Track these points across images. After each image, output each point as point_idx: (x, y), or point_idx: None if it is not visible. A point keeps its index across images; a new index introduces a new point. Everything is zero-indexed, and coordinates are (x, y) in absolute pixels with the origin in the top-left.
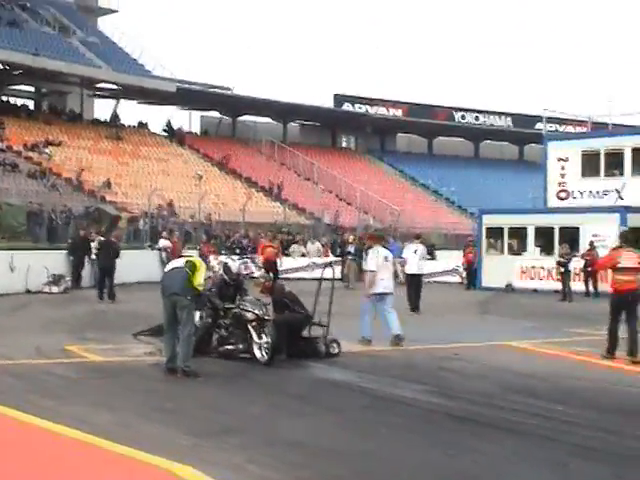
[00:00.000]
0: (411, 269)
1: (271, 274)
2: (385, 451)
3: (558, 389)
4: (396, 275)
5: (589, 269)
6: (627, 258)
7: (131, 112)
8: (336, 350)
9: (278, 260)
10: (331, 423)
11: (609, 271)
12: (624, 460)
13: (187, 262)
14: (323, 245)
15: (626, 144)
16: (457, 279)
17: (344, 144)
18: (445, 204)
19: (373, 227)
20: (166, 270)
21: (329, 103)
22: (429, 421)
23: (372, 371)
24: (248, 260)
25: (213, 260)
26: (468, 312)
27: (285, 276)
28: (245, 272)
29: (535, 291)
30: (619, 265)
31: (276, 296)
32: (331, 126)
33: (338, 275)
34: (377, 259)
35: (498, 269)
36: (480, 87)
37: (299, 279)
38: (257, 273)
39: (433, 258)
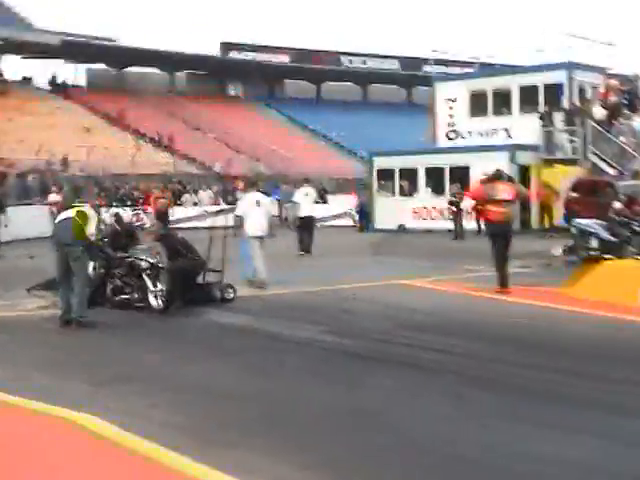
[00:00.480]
0: (303, 212)
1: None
2: (285, 392)
3: (453, 324)
4: (286, 219)
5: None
6: (502, 190)
7: (15, 67)
8: (231, 295)
9: (170, 210)
10: (230, 367)
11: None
12: (516, 389)
13: (77, 212)
14: (214, 193)
15: (513, 83)
16: (350, 222)
17: (232, 92)
18: (335, 149)
19: (264, 174)
20: (57, 221)
21: (216, 51)
22: (327, 360)
23: (269, 314)
24: (140, 211)
25: (104, 212)
26: (362, 254)
27: (178, 226)
28: (137, 223)
29: (428, 231)
30: (495, 197)
31: (168, 244)
32: (219, 74)
33: (230, 222)
34: (246, 204)
35: (390, 211)
36: (367, 31)
37: (192, 228)
38: (148, 223)
39: (325, 202)
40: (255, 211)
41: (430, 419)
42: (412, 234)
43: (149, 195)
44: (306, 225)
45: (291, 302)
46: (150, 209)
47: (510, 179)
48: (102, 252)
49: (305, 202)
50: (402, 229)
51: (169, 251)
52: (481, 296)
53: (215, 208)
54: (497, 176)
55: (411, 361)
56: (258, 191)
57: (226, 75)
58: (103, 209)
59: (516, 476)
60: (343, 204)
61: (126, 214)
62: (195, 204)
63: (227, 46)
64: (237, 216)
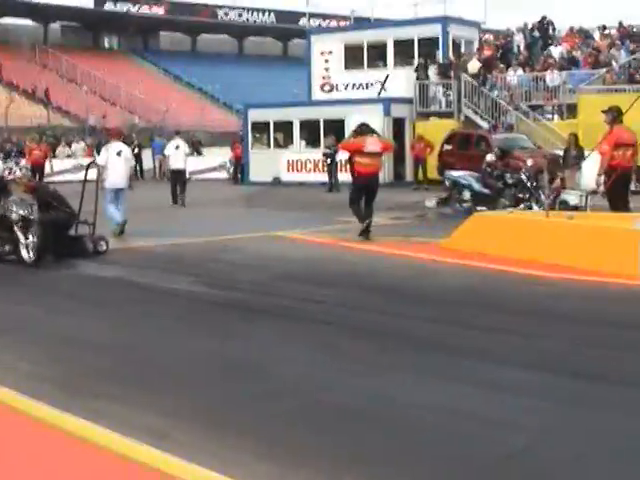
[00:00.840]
0: (175, 164)
1: (37, 176)
2: (155, 342)
3: (327, 274)
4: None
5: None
6: (372, 143)
7: None
8: (104, 247)
9: (47, 163)
10: (100, 318)
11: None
12: (389, 337)
13: None
14: (88, 146)
15: (388, 36)
16: (225, 175)
17: (107, 45)
18: (210, 102)
19: (139, 127)
20: None
21: (90, 3)
22: (199, 311)
23: (141, 266)
24: (13, 164)
25: None
26: (236, 206)
27: (52, 179)
28: (10, 177)
29: (302, 184)
30: (365, 150)
31: (40, 196)
32: (93, 27)
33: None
34: (107, 154)
35: (265, 163)
36: None
37: (67, 182)
38: (19, 173)
39: (200, 154)
40: (116, 161)
41: (303, 368)
42: (287, 187)
43: (27, 148)
44: (178, 177)
45: (163, 254)
46: (26, 161)
47: (374, 132)
48: None
49: (176, 155)
50: (277, 182)
51: (41, 203)
52: (353, 247)
53: (88, 160)
54: (365, 130)
55: (284, 311)
56: (122, 142)
57: (101, 27)
58: None
59: (379, 420)
60: (219, 157)
61: None
62: (69, 156)
63: None
64: (98, 165)
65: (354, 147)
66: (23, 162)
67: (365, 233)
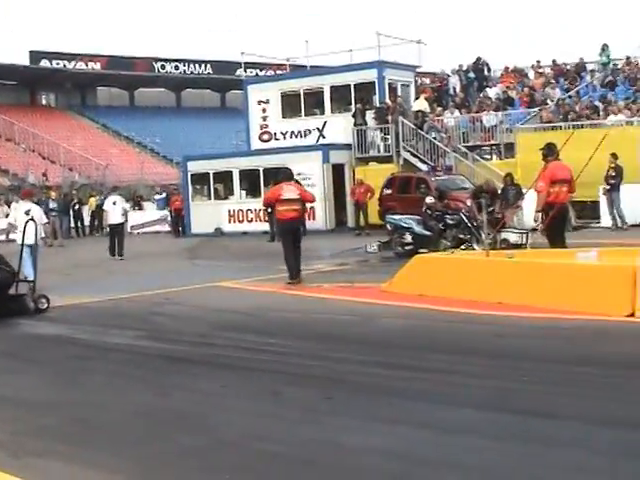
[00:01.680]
0: (111, 219)
1: None
2: (97, 398)
3: (270, 323)
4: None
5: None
6: (289, 190)
7: None
8: (45, 305)
9: None
10: (42, 376)
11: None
12: (332, 383)
13: None
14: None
15: (324, 83)
16: (167, 228)
17: (44, 101)
18: (150, 155)
19: (79, 183)
20: None
21: (25, 60)
22: (140, 365)
23: (82, 322)
24: None
25: None
26: (178, 258)
27: None
28: None
29: (245, 234)
30: (282, 197)
31: None
32: (29, 84)
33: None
34: (16, 214)
35: (206, 215)
36: (179, 36)
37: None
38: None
39: (141, 209)
40: (24, 220)
41: (244, 418)
42: (229, 237)
43: None
44: (116, 232)
45: (105, 309)
46: None
47: (292, 179)
48: None
49: (114, 210)
50: (219, 232)
51: None
52: (295, 294)
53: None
54: (283, 177)
55: (227, 362)
56: (31, 202)
57: (37, 84)
58: None
59: (324, 467)
60: (160, 210)
61: None
62: (7, 216)
63: (37, 54)
64: (9, 224)
65: (273, 196)
66: None
67: (296, 277)
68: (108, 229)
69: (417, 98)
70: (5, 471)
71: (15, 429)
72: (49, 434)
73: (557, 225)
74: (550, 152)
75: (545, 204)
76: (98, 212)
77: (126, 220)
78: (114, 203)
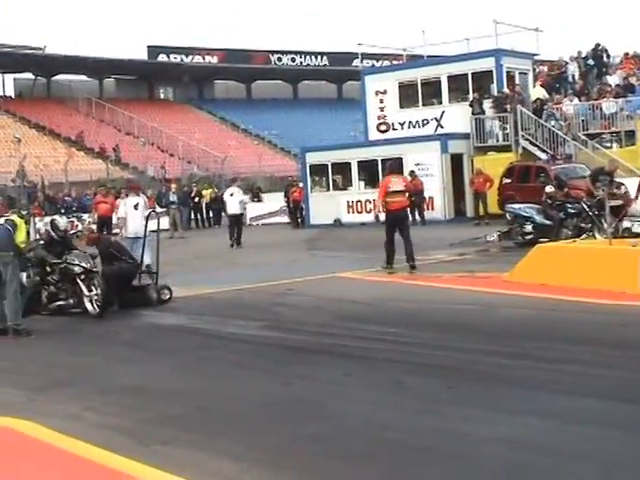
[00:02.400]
0: (230, 210)
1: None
2: (219, 388)
3: (389, 313)
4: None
5: (413, 198)
6: (395, 183)
7: None
8: (167, 296)
9: (114, 215)
10: (167, 366)
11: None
12: (453, 372)
13: (7, 220)
14: (149, 197)
15: (442, 72)
16: (286, 219)
17: (162, 95)
18: (268, 147)
19: (198, 176)
20: None
21: (143, 55)
22: (264, 355)
23: (205, 313)
24: (75, 218)
25: (39, 222)
26: (298, 249)
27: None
28: (72, 231)
29: (363, 224)
30: (389, 190)
31: (102, 247)
32: (147, 78)
33: (164, 225)
34: (125, 207)
35: (325, 206)
36: (295, 28)
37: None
38: (81, 227)
39: (260, 201)
40: (133, 214)
41: (366, 406)
42: (348, 228)
43: (95, 201)
44: (233, 221)
45: (227, 300)
46: (94, 214)
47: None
48: (36, 257)
49: (231, 201)
50: (338, 223)
51: (103, 255)
52: (416, 285)
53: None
54: (391, 169)
55: (348, 351)
56: (139, 195)
57: (155, 79)
58: (37, 218)
59: (453, 457)
60: (278, 202)
61: (62, 220)
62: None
63: (154, 49)
64: (119, 218)
65: (382, 188)
66: (85, 216)
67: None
68: (228, 219)
69: (534, 86)
70: (133, 458)
71: (142, 417)
72: (175, 422)
73: None
74: None
75: None
76: (213, 204)
77: (245, 210)
78: (231, 195)
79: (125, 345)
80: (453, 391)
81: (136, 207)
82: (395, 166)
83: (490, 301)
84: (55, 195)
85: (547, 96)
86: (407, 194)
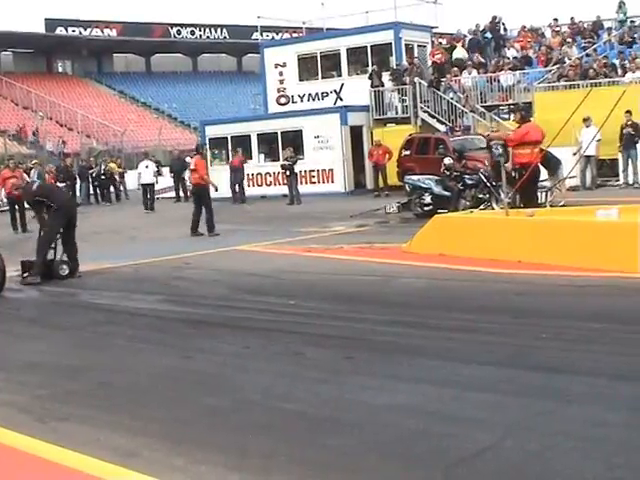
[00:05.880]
0: (145, 180)
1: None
2: (121, 362)
3: (289, 284)
4: None
5: None
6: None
7: None
8: (66, 271)
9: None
10: (66, 342)
11: None
12: (353, 342)
13: None
14: (47, 172)
15: (341, 45)
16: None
17: (60, 69)
18: (168, 121)
19: (97, 150)
20: None
21: (41, 28)
22: (164, 329)
23: (105, 288)
24: None
25: None
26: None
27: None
28: None
29: (264, 197)
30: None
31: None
32: (45, 52)
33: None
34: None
35: (225, 179)
36: (194, 1)
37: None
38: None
39: (159, 174)
40: None
41: (267, 378)
42: (248, 201)
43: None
44: (147, 191)
45: (127, 275)
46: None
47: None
48: None
49: (145, 172)
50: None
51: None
52: (315, 256)
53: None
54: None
55: (248, 324)
56: None
57: (53, 52)
58: None
59: (351, 425)
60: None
61: None
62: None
63: (52, 22)
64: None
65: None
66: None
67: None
68: (141, 187)
69: (454, 48)
70: (31, 435)
71: (40, 394)
72: (74, 399)
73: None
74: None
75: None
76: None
77: (155, 180)
78: (147, 167)
79: (24, 321)
80: (352, 361)
81: None
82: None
83: (389, 271)
84: None
85: (467, 56)
86: None
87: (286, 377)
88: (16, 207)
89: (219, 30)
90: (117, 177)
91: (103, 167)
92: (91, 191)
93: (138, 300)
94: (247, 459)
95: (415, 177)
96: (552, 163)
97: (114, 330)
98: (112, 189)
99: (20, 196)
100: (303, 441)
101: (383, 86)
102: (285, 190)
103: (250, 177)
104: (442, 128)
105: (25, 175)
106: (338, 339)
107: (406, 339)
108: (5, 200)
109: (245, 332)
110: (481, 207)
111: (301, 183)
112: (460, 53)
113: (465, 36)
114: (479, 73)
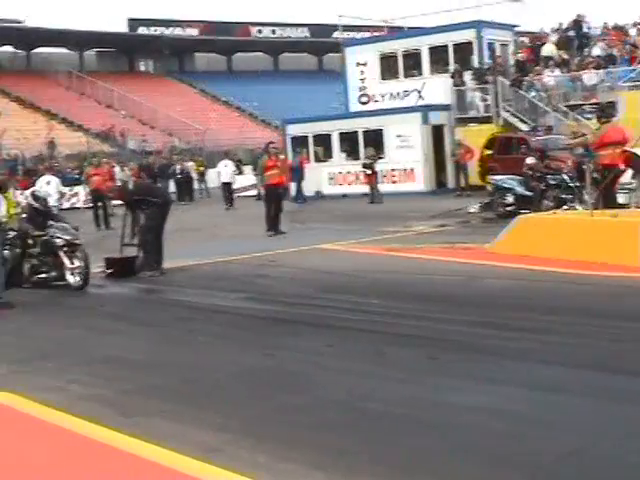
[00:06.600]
0: (224, 179)
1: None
2: (203, 359)
3: (372, 284)
4: None
5: None
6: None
7: None
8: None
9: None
10: (150, 337)
11: None
12: (435, 343)
13: None
14: (131, 170)
15: (423, 44)
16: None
17: (142, 68)
18: (249, 119)
19: (179, 148)
20: None
21: (124, 28)
22: (246, 327)
23: (187, 285)
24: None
25: (19, 195)
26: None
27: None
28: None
29: (345, 196)
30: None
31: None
32: (128, 51)
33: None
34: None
35: (306, 177)
36: (276, 0)
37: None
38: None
39: (241, 173)
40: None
41: (349, 377)
42: (329, 200)
43: (88, 174)
44: (227, 189)
45: (209, 272)
46: (87, 187)
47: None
48: (18, 230)
49: (225, 171)
50: (319, 195)
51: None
52: (398, 256)
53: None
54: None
55: (331, 322)
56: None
57: (135, 51)
58: (18, 191)
59: (435, 426)
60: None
61: (43, 192)
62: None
63: (135, 22)
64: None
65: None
66: (86, 188)
67: None
68: (221, 186)
69: (543, 44)
70: (114, 429)
71: (125, 388)
72: (157, 394)
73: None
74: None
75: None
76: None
77: (234, 179)
78: (225, 166)
79: (108, 317)
80: (434, 361)
81: (48, 184)
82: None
83: (471, 272)
84: (37, 168)
85: (556, 53)
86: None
87: (368, 376)
88: (99, 204)
89: (300, 29)
90: (195, 176)
91: (179, 166)
92: (172, 189)
93: (220, 297)
94: (331, 458)
95: (498, 177)
96: (637, 163)
97: (196, 327)
98: (191, 187)
99: (101, 191)
100: (386, 441)
101: (465, 85)
102: (366, 189)
103: (331, 176)
104: (524, 127)
105: (116, 170)
106: (420, 339)
107: (488, 340)
108: (90, 197)
109: (327, 331)
110: (564, 207)
111: (382, 182)
112: (549, 50)
113: (547, 34)
114: (562, 72)
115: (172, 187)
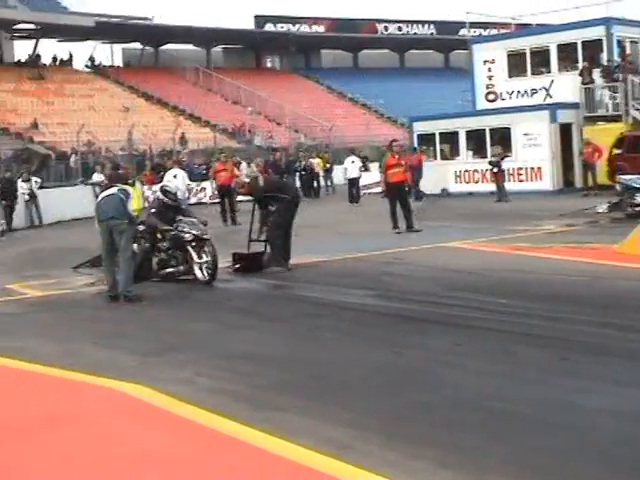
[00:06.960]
0: (351, 174)
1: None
2: (331, 355)
3: (500, 283)
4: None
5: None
6: None
7: (52, 51)
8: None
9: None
10: (277, 333)
11: None
12: (564, 343)
13: (119, 189)
14: (257, 165)
15: (551, 41)
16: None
17: (269, 64)
18: (375, 116)
19: (305, 145)
20: (100, 198)
21: (250, 24)
22: (373, 324)
23: (315, 281)
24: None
25: (147, 190)
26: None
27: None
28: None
29: (471, 194)
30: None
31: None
32: (254, 48)
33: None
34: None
35: (432, 175)
36: None
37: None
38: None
39: (367, 170)
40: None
41: (478, 376)
42: (455, 198)
43: (215, 169)
44: (353, 185)
45: (336, 269)
46: (213, 182)
47: None
48: (147, 224)
49: (351, 167)
50: (445, 193)
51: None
52: (526, 255)
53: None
54: None
55: (459, 321)
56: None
57: (262, 48)
58: (145, 186)
59: (563, 427)
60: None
61: (172, 186)
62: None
63: (261, 19)
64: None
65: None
66: (213, 184)
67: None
68: (348, 182)
69: None
70: (247, 424)
71: (256, 383)
72: (288, 389)
73: None
74: None
75: None
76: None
77: (361, 175)
78: (352, 162)
79: (235, 312)
80: (563, 362)
81: (175, 177)
82: None
83: (600, 272)
84: (164, 163)
85: None
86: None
87: (497, 376)
88: (226, 200)
89: (426, 26)
90: (319, 172)
91: (303, 163)
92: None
93: (346, 294)
94: (459, 457)
95: (628, 177)
96: None
97: (323, 323)
98: (317, 183)
99: (228, 187)
100: (515, 441)
101: (594, 83)
102: (492, 187)
103: (458, 174)
104: None
105: (243, 166)
106: (549, 339)
107: (618, 342)
108: (216, 192)
109: (455, 329)
110: None
111: (509, 180)
112: None
113: None
114: None
115: (297, 183)
